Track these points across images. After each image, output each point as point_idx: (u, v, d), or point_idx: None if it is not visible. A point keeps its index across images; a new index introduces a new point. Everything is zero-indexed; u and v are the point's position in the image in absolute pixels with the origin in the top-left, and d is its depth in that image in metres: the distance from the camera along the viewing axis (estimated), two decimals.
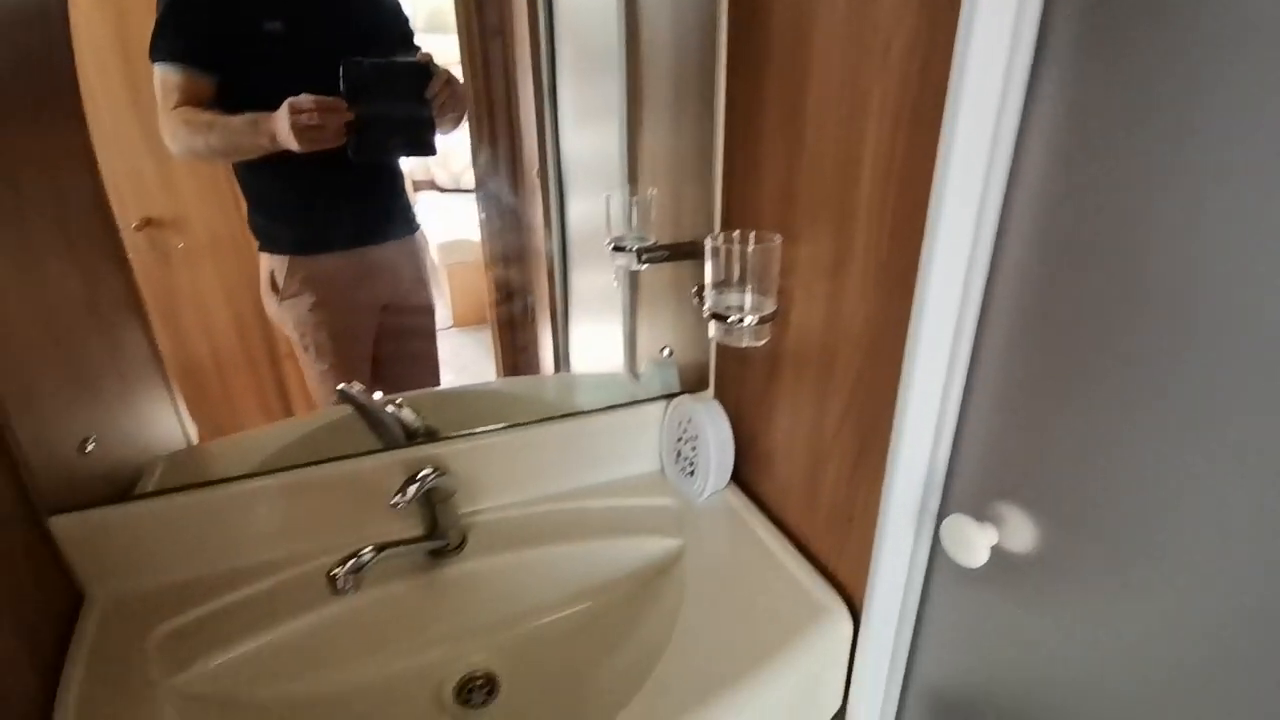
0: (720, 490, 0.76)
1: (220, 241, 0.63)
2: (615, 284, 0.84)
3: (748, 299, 0.56)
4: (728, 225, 0.69)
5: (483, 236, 0.75)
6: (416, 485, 0.59)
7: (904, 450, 0.49)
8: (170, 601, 0.60)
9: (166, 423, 0.65)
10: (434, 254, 0.76)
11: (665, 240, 0.73)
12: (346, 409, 0.71)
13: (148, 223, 0.59)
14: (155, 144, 0.57)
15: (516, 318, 0.82)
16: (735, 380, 0.75)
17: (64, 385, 0.57)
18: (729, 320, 0.56)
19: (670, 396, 0.78)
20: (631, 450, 0.79)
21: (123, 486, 0.62)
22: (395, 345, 0.73)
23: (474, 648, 0.67)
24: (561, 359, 0.84)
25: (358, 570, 0.52)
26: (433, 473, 0.62)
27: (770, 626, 0.58)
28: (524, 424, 0.73)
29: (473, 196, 0.74)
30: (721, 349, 0.76)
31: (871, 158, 0.48)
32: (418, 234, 0.72)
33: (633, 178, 0.77)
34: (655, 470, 0.81)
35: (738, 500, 0.74)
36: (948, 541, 0.46)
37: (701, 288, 0.60)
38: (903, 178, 0.46)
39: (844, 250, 0.52)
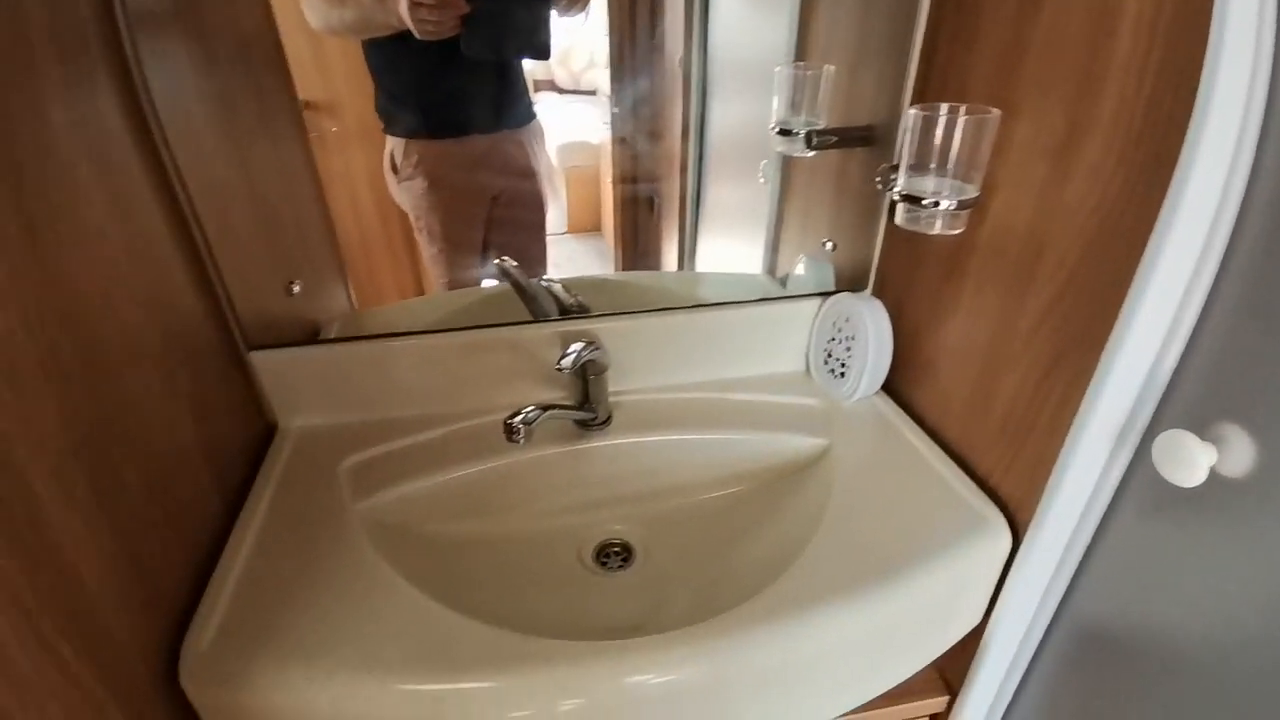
0: (869, 396, 0.73)
1: (367, 128, 0.65)
2: (762, 180, 0.80)
3: (947, 181, 0.51)
4: (922, 101, 0.62)
5: (611, 131, 0.71)
6: (576, 355, 0.61)
7: (1123, 356, 0.44)
8: (355, 439, 0.67)
9: (338, 289, 0.70)
10: (552, 156, 0.73)
11: (837, 124, 0.67)
12: (496, 286, 0.72)
13: (306, 105, 0.61)
14: (310, 28, 0.58)
15: (640, 220, 0.80)
16: (902, 279, 0.70)
17: (263, 239, 0.62)
18: (924, 203, 0.51)
19: (824, 295, 0.74)
20: (778, 348, 0.77)
21: (310, 334, 0.67)
22: (505, 237, 0.73)
23: (613, 518, 0.70)
24: (686, 263, 0.81)
25: (529, 423, 0.54)
26: (590, 345, 0.63)
27: (922, 530, 0.56)
28: (675, 309, 0.72)
29: (593, 98, 0.70)
30: (889, 246, 0.71)
31: (1136, 3, 0.41)
32: (533, 124, 0.70)
33: (801, 58, 0.71)
34: (799, 371, 0.79)
35: (887, 407, 0.71)
36: (1161, 457, 0.42)
37: (889, 169, 0.55)
38: (1173, 27, 0.39)
39: (1080, 124, 0.45)
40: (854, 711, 0.66)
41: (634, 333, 0.72)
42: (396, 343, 0.67)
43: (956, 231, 0.54)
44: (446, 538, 0.64)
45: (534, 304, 0.72)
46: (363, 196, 0.68)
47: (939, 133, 0.49)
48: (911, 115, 0.50)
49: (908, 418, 0.69)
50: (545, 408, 0.58)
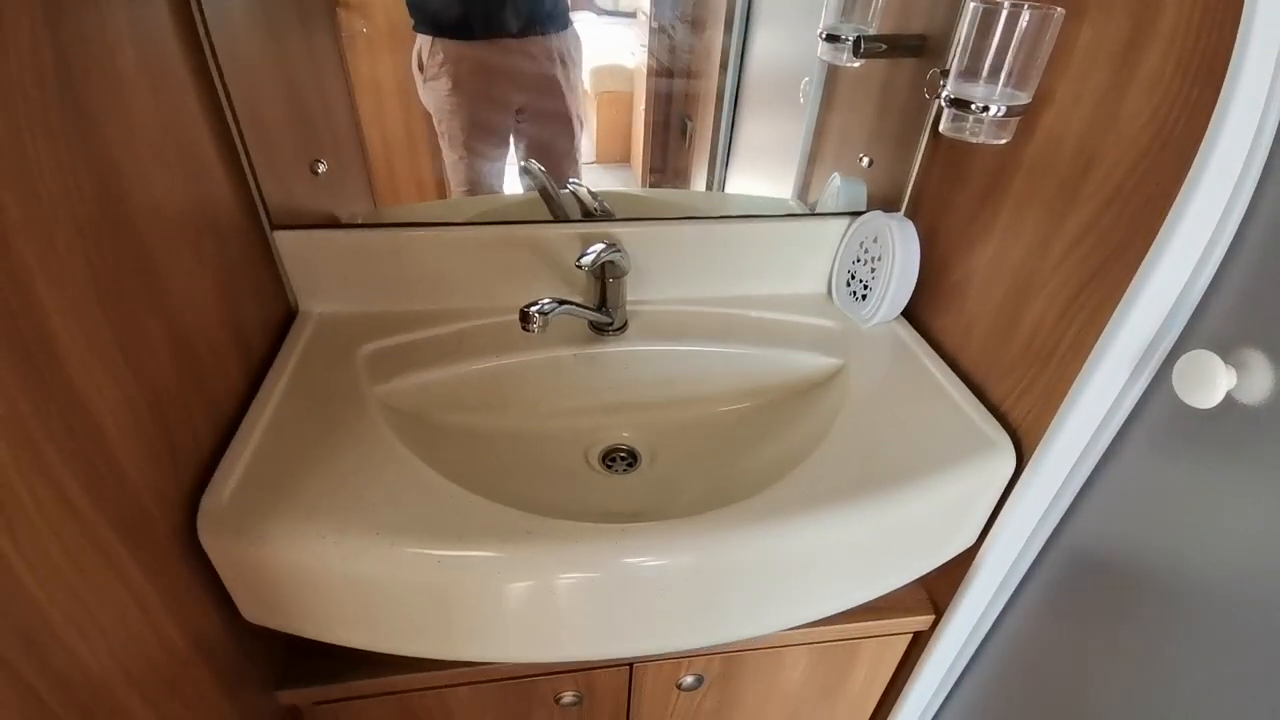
0: (888, 322, 0.72)
1: (397, 29, 0.62)
2: (801, 99, 0.77)
3: (999, 89, 0.48)
4: None
5: (648, 56, 0.67)
6: (595, 255, 0.60)
7: (1157, 275, 0.42)
8: (374, 327, 0.68)
9: (361, 186, 0.69)
10: (585, 78, 0.70)
11: (888, 31, 0.64)
12: (519, 195, 0.71)
13: (336, 3, 0.59)
14: None
15: (671, 148, 0.77)
16: (938, 202, 0.68)
17: (292, 125, 0.61)
18: (972, 108, 0.49)
19: (853, 214, 0.73)
20: (801, 268, 0.76)
21: (332, 223, 0.67)
22: (532, 151, 0.71)
23: (622, 424, 0.71)
24: (715, 190, 0.79)
25: (545, 314, 0.54)
26: (611, 247, 0.62)
27: (926, 448, 0.56)
28: (698, 218, 0.71)
29: (632, 20, 0.66)
30: (928, 166, 0.69)
31: None
32: (568, 33, 0.66)
33: None
34: (820, 293, 0.78)
35: (906, 333, 0.71)
36: (1181, 378, 0.41)
37: (939, 74, 0.53)
38: None
39: (1143, 31, 0.43)
40: (840, 620, 0.69)
41: (656, 240, 0.71)
42: (417, 233, 0.67)
43: (1002, 141, 0.52)
44: (459, 429, 0.65)
45: (556, 207, 0.71)
46: (389, 100, 0.66)
47: (998, 30, 0.46)
48: (971, 8, 0.47)
49: (926, 344, 0.69)
50: (562, 301, 0.57)
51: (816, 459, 0.55)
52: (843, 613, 0.69)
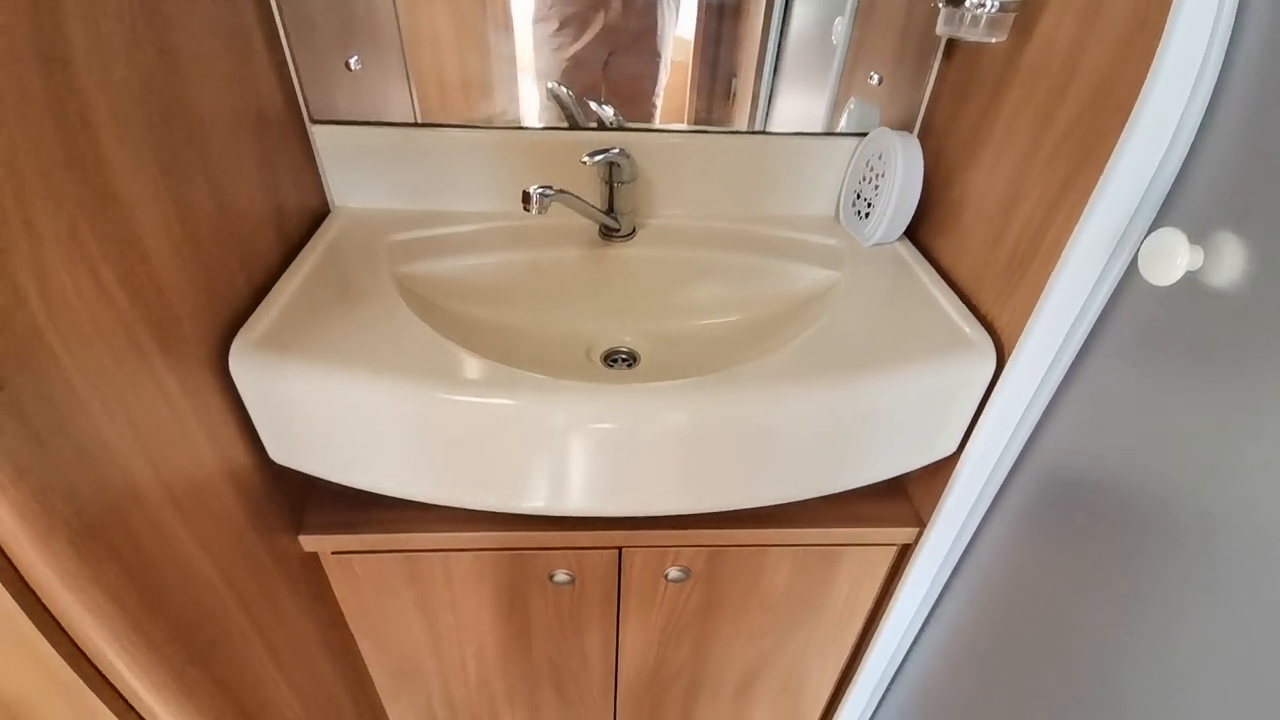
0: (891, 242, 0.73)
1: None
2: (834, 41, 0.78)
3: None
4: None
5: (697, 25, 0.70)
6: (604, 154, 0.64)
7: (1125, 160, 0.43)
8: (400, 222, 0.73)
9: (399, 85, 0.73)
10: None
11: None
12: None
13: None
14: None
15: (715, 100, 0.79)
16: (946, 121, 0.69)
17: (333, 16, 0.66)
18: (966, 4, 0.50)
19: (864, 134, 0.74)
20: (811, 187, 0.78)
21: (370, 119, 0.73)
22: (613, 93, 0.73)
23: (625, 329, 0.75)
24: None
25: (544, 197, 0.58)
26: (620, 151, 0.66)
27: (912, 342, 0.58)
28: (711, 131, 0.74)
29: None
30: (939, 89, 0.70)
31: None
32: None
33: None
34: (828, 215, 0.80)
35: (906, 251, 0.72)
36: (1146, 256, 0.42)
37: None
38: None
39: None
40: (823, 524, 0.72)
41: (671, 150, 0.74)
42: (447, 133, 0.72)
43: (995, 40, 0.53)
44: (469, 317, 0.70)
45: (577, 124, 0.75)
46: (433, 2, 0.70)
47: None
48: None
49: (924, 260, 0.70)
50: (562, 191, 0.61)
51: (800, 344, 0.58)
52: (827, 520, 0.72)
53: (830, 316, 0.62)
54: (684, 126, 0.74)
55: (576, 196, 0.64)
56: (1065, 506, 0.56)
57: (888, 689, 0.87)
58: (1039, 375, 0.55)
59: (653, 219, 0.78)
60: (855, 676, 0.88)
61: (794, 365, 0.56)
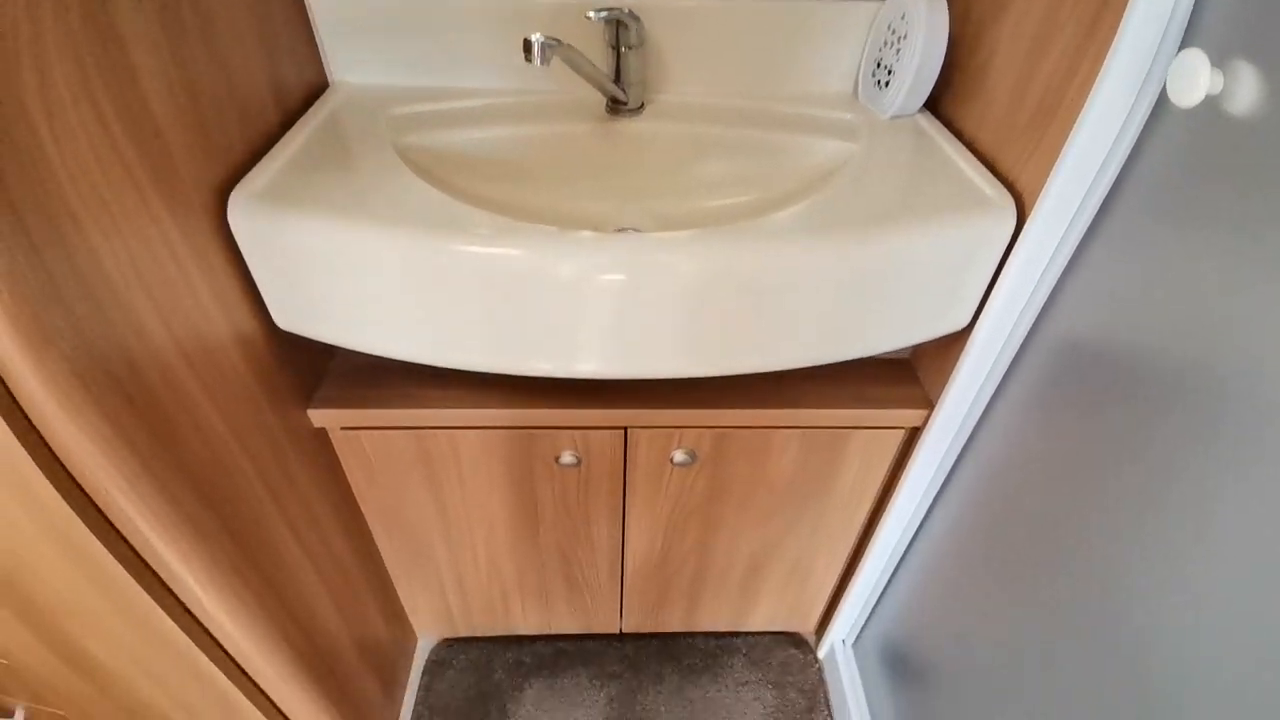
0: (911, 114, 0.70)
1: None
2: None
3: None
4: None
5: None
6: (611, 10, 0.61)
7: None
8: (404, 97, 0.71)
9: None
10: None
11: None
12: None
13: None
14: None
15: None
16: None
17: None
18: None
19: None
20: (830, 60, 0.74)
21: None
22: None
23: (633, 209, 0.73)
24: None
25: (547, 47, 0.56)
26: (627, 10, 0.63)
27: (928, 201, 0.56)
28: None
29: None
30: None
31: None
32: None
33: None
34: (847, 91, 0.76)
35: (927, 123, 0.69)
36: (1175, 75, 0.40)
37: None
38: None
39: None
40: (831, 405, 0.71)
41: (679, 16, 0.70)
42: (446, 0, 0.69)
43: None
44: (472, 192, 0.69)
45: None
46: None
47: None
48: None
49: (945, 130, 0.67)
50: (565, 43, 0.59)
51: (814, 203, 0.56)
52: (835, 401, 0.72)
53: (846, 181, 0.60)
54: None
55: (582, 55, 0.61)
56: (1074, 384, 0.55)
57: (893, 574, 0.89)
58: (1059, 232, 0.53)
59: (662, 95, 0.75)
60: (861, 563, 0.89)
61: (807, 221, 0.54)
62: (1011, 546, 0.63)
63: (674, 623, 1.06)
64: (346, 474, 0.77)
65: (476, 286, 0.53)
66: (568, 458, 0.75)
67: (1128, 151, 0.47)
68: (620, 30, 0.65)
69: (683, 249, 0.51)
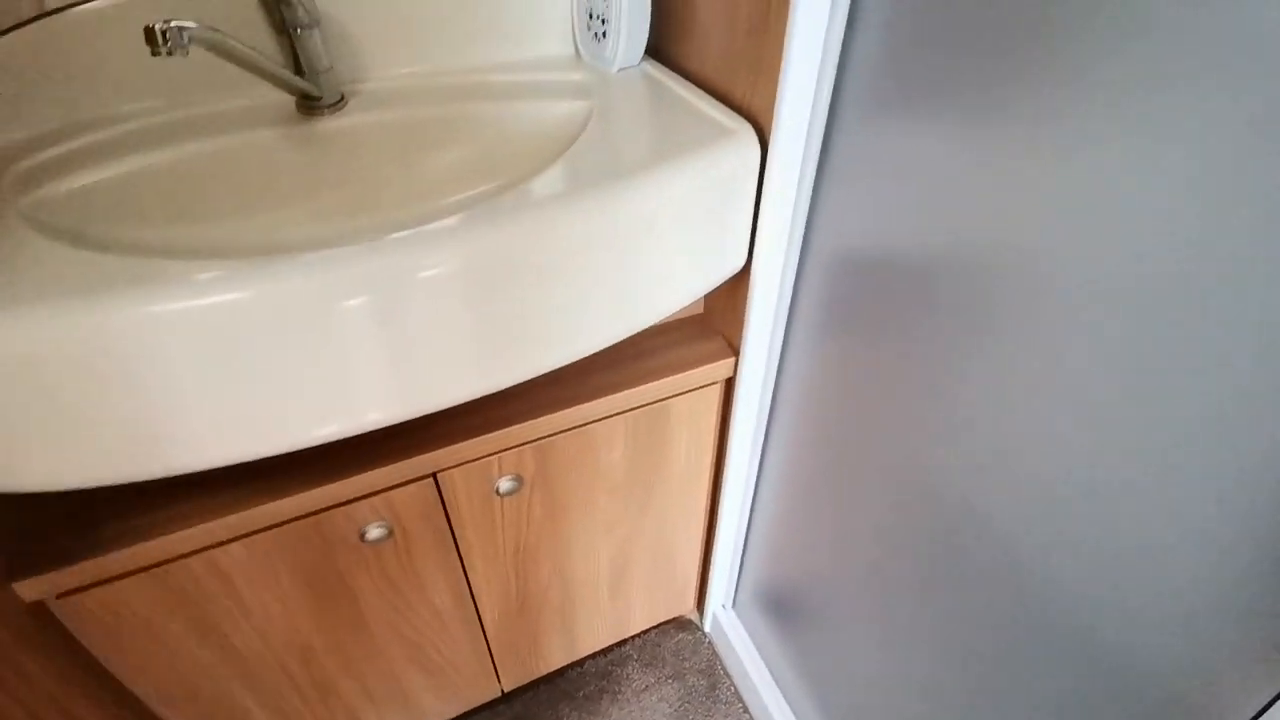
0: (637, 65, 0.68)
1: None
2: None
3: None
4: None
5: None
6: None
7: None
8: (21, 150, 0.53)
9: None
10: None
11: None
12: None
13: None
14: None
15: None
16: None
17: None
18: None
19: None
20: (538, 20, 0.69)
21: None
22: None
23: (359, 224, 0.61)
24: None
25: (181, 32, 0.43)
26: None
27: (675, 143, 0.53)
28: None
29: None
30: None
31: None
32: None
33: None
34: (568, 54, 0.72)
35: (654, 69, 0.67)
36: None
37: None
38: None
39: None
40: (643, 381, 0.67)
41: None
42: (58, 20, 0.52)
43: None
44: (145, 248, 0.53)
45: None
46: None
47: None
48: None
49: (674, 74, 0.65)
50: (213, 29, 0.46)
51: (560, 168, 0.50)
52: (644, 376, 0.68)
53: (590, 140, 0.55)
54: None
55: (235, 40, 0.49)
56: (850, 292, 0.56)
57: (749, 526, 0.88)
58: (800, 148, 0.54)
59: (364, 83, 0.64)
60: (716, 526, 0.88)
61: (560, 184, 0.48)
62: (835, 456, 0.64)
63: (556, 659, 0.97)
64: (89, 649, 0.57)
65: (178, 358, 0.39)
66: (375, 531, 0.63)
67: (838, 51, 0.48)
68: (283, 8, 0.53)
69: (433, 243, 0.43)
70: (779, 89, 0.50)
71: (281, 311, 0.40)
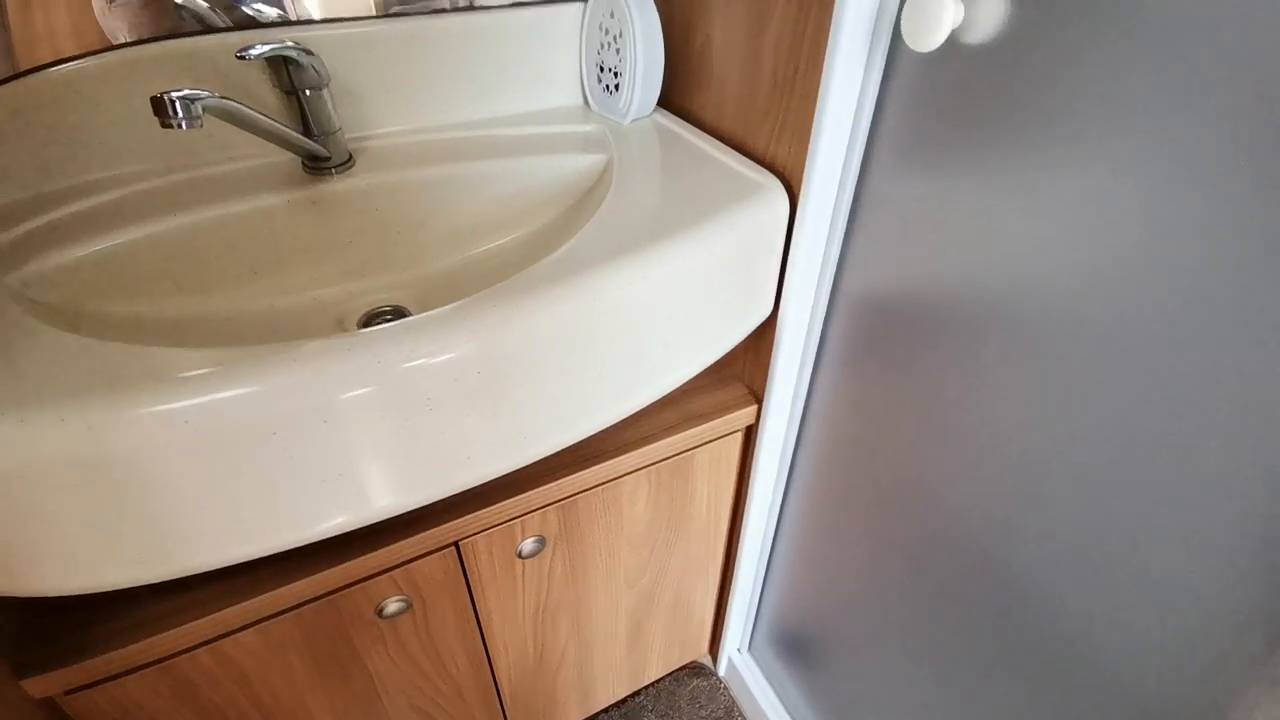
0: (649, 115, 0.67)
1: None
2: None
3: None
4: None
5: None
6: (272, 46, 0.47)
7: None
8: (8, 216, 0.49)
9: None
10: None
11: None
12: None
13: None
14: None
15: None
16: None
17: None
18: None
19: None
20: (547, 71, 0.68)
21: None
22: None
23: (379, 285, 0.60)
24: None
25: (192, 104, 0.40)
26: (292, 45, 0.49)
27: (701, 202, 0.52)
28: (409, 13, 0.59)
29: None
30: None
31: None
32: None
33: None
34: (577, 104, 0.71)
35: (668, 120, 0.66)
36: (909, 22, 0.39)
37: None
38: None
39: None
40: (666, 434, 0.65)
41: (367, 46, 0.59)
42: (47, 76, 0.49)
43: None
44: (144, 323, 0.50)
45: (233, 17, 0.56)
46: None
47: None
48: None
49: (688, 124, 0.65)
50: (224, 98, 0.44)
51: (585, 235, 0.49)
52: (667, 429, 0.66)
53: (609, 201, 0.53)
54: (371, 12, 0.58)
55: (248, 105, 0.47)
56: (875, 335, 0.55)
57: (767, 568, 0.86)
58: (832, 198, 0.53)
59: (371, 141, 0.62)
60: (734, 570, 0.86)
61: (583, 256, 0.46)
62: (856, 496, 0.63)
63: (572, 715, 0.93)
64: None
65: (187, 457, 0.36)
66: (393, 605, 0.59)
67: (873, 107, 0.48)
68: (292, 70, 0.51)
69: (441, 332, 0.40)
70: (812, 142, 0.50)
71: (292, 410, 0.37)
